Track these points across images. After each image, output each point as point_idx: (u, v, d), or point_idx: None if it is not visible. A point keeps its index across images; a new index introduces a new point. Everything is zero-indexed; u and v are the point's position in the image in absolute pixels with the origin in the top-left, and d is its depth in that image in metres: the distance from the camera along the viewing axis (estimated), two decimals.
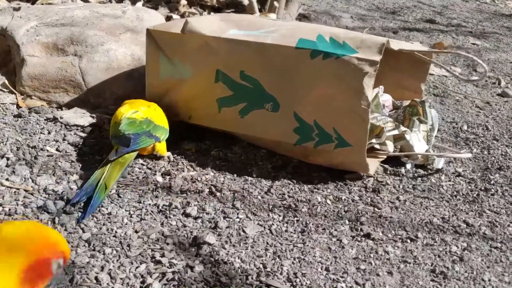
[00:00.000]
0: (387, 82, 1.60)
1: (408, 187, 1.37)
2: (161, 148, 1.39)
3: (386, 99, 1.59)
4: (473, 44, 2.91)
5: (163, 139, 1.38)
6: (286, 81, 1.34)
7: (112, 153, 1.27)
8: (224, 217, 1.17)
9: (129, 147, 1.28)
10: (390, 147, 1.43)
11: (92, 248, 1.03)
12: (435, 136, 1.57)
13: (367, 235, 1.15)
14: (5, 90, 1.65)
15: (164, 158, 1.40)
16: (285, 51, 1.32)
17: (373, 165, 1.40)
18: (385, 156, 1.45)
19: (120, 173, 1.25)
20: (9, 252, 0.77)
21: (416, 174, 1.44)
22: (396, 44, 1.36)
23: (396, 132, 1.44)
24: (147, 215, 1.15)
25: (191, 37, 1.42)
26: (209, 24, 1.44)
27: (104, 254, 1.02)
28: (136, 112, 1.37)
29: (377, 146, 1.44)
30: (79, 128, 1.50)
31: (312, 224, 1.17)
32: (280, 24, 1.44)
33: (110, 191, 1.22)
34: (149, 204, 1.19)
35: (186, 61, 1.46)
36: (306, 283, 0.99)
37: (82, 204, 1.16)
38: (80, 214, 1.13)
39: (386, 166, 1.45)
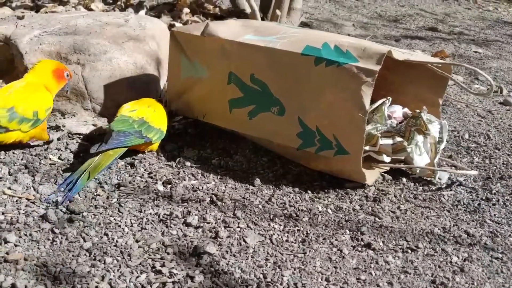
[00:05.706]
0: (406, 94, 1.61)
1: (409, 197, 1.37)
2: (154, 148, 1.47)
3: (395, 110, 1.57)
4: (475, 52, 2.91)
5: (155, 140, 1.44)
6: (292, 86, 1.37)
7: (94, 146, 1.31)
8: (225, 227, 1.17)
9: (107, 144, 1.31)
10: (386, 157, 1.44)
11: (93, 257, 1.03)
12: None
13: (368, 245, 1.15)
14: None
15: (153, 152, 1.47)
16: (292, 57, 1.35)
17: (373, 175, 1.40)
18: (387, 168, 1.45)
19: (107, 164, 1.30)
20: None
21: (417, 184, 1.44)
22: (401, 55, 1.36)
23: (391, 141, 1.44)
24: (148, 224, 1.15)
25: (209, 39, 1.48)
26: (227, 28, 1.50)
27: (104, 263, 1.02)
28: (134, 111, 1.44)
29: (374, 156, 1.44)
30: (81, 136, 1.51)
31: (313, 234, 1.17)
32: (293, 31, 1.47)
33: (112, 199, 1.22)
34: (150, 213, 1.19)
35: (204, 62, 1.52)
36: None
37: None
38: (60, 198, 1.20)
39: (387, 175, 1.45)
